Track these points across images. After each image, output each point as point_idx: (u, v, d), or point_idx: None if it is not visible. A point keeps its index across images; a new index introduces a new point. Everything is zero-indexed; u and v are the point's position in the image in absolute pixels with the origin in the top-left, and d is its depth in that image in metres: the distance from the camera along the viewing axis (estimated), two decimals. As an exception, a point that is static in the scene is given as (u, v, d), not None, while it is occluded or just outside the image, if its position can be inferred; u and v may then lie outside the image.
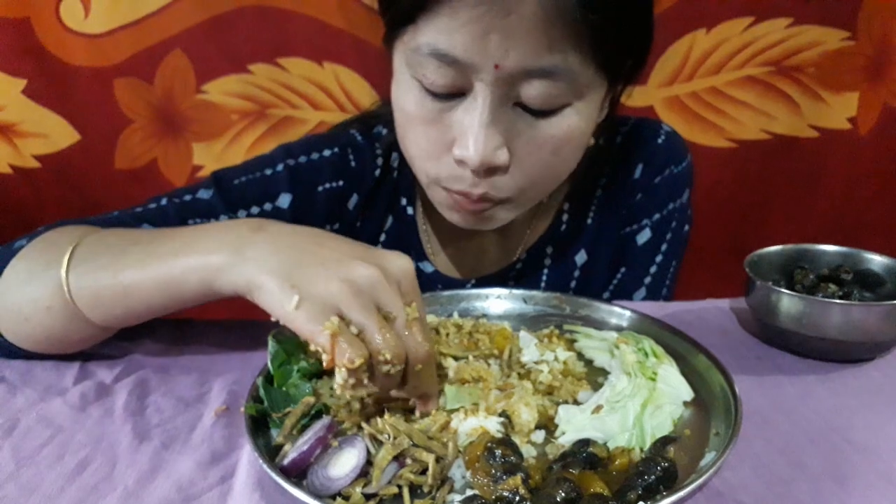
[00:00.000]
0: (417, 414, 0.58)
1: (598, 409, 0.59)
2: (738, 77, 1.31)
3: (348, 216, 0.91)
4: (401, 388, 0.56)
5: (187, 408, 0.64)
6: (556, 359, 0.67)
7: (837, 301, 0.69)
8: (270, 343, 0.62)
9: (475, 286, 0.90)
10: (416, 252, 0.94)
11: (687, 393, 0.62)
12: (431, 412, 0.57)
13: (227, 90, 1.29)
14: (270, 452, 0.54)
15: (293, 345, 0.63)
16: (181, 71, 1.27)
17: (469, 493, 0.50)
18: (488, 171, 0.71)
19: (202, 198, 0.83)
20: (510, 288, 0.82)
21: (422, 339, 0.55)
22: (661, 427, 0.57)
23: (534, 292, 0.81)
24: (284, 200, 0.86)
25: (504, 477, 0.49)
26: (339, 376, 0.51)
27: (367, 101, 1.24)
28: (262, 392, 0.59)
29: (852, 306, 0.68)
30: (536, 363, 0.66)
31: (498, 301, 0.81)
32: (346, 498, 0.50)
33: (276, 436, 0.56)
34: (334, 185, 0.89)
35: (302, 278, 0.54)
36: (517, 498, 0.48)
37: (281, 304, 0.53)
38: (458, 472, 0.52)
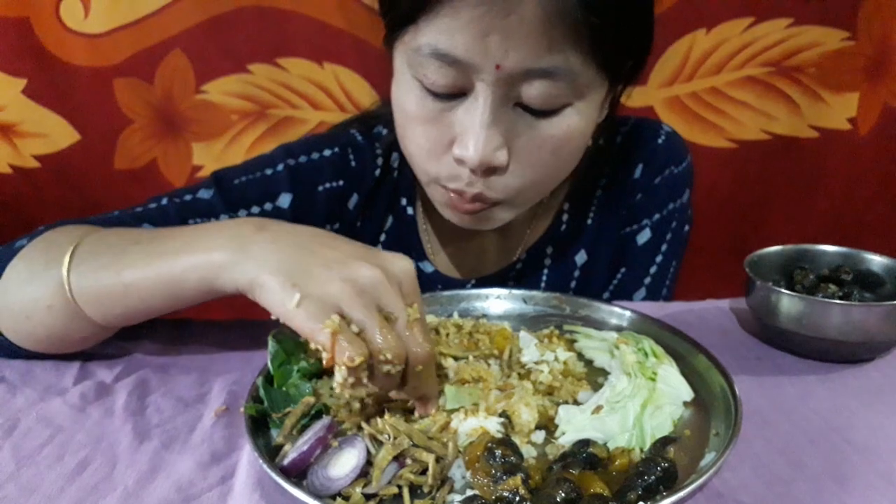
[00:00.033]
0: (417, 414, 0.58)
1: (598, 409, 0.59)
2: (738, 77, 1.31)
3: (348, 216, 0.91)
4: (401, 388, 0.56)
5: (187, 408, 0.64)
6: (556, 359, 0.66)
7: (837, 301, 0.69)
8: (270, 343, 0.62)
9: (475, 286, 0.90)
10: (416, 252, 0.94)
11: (687, 393, 0.62)
12: (431, 413, 0.57)
13: (227, 90, 1.30)
14: (270, 452, 0.54)
15: (293, 345, 0.63)
16: (181, 71, 1.27)
17: (469, 493, 0.50)
18: (487, 171, 0.71)
19: (202, 198, 0.83)
20: (510, 288, 0.82)
21: (423, 340, 0.55)
22: (661, 427, 0.57)
23: (534, 292, 0.81)
24: (285, 200, 0.86)
25: (504, 477, 0.49)
26: (339, 375, 0.51)
27: (367, 101, 1.24)
28: (262, 392, 0.59)
29: (852, 307, 0.68)
30: (536, 363, 0.66)
31: (498, 301, 0.81)
32: (346, 498, 0.50)
33: (276, 436, 0.56)
34: (334, 184, 0.89)
35: (303, 277, 0.54)
36: (517, 498, 0.48)
37: (282, 302, 0.53)
38: (458, 472, 0.52)
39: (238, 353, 0.74)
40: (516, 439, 0.55)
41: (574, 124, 0.71)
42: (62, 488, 0.53)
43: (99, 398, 0.65)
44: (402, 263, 0.58)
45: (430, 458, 0.51)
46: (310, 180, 0.88)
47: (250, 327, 0.76)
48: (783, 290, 0.71)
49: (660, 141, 0.93)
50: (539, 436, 0.58)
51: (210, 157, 1.34)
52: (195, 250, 0.60)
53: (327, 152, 0.89)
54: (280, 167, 0.86)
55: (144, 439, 0.59)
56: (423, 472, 0.51)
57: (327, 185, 0.89)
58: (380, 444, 0.53)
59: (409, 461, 0.52)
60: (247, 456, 0.56)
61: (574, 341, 0.72)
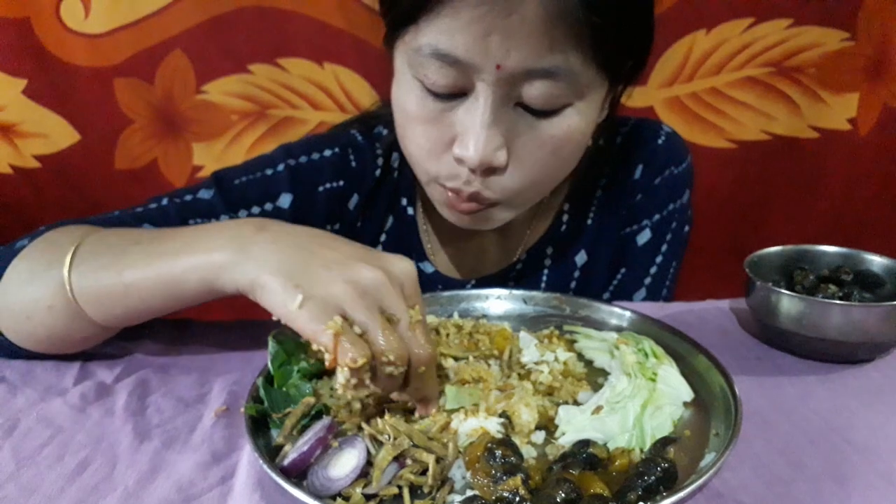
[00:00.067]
0: (417, 415, 0.58)
1: (598, 409, 0.59)
2: (738, 78, 1.31)
3: (349, 216, 0.91)
4: (403, 390, 0.56)
5: (187, 408, 0.64)
6: (556, 359, 0.67)
7: (837, 302, 0.69)
8: (271, 343, 0.62)
9: (475, 286, 0.90)
10: (417, 252, 0.94)
11: (687, 393, 0.62)
12: (431, 414, 0.57)
13: (228, 90, 1.30)
14: (270, 453, 0.54)
15: (293, 345, 0.63)
16: (181, 71, 1.27)
17: (469, 493, 0.50)
18: (487, 171, 0.72)
19: (203, 198, 0.83)
20: (510, 288, 0.82)
21: (425, 341, 0.55)
22: (661, 428, 0.57)
23: (534, 293, 0.81)
24: (285, 200, 0.86)
25: (504, 477, 0.49)
26: (342, 376, 0.51)
27: (367, 101, 1.24)
28: (262, 392, 0.59)
29: (852, 307, 0.68)
30: (536, 364, 0.66)
31: (498, 301, 0.81)
32: (347, 498, 0.50)
33: (277, 436, 0.56)
34: (335, 185, 0.89)
35: (305, 278, 0.54)
36: (517, 498, 0.48)
37: (284, 303, 0.53)
38: (458, 472, 0.52)
39: (238, 353, 0.74)
40: (516, 440, 0.55)
41: (574, 124, 0.71)
42: (62, 488, 0.53)
43: (99, 398, 0.65)
44: (403, 265, 0.58)
45: (430, 459, 0.51)
46: (310, 180, 0.88)
47: (250, 328, 0.76)
48: (783, 291, 0.71)
49: (660, 141, 0.93)
50: (539, 436, 0.58)
51: (210, 157, 1.34)
52: (196, 250, 0.60)
53: (328, 152, 0.89)
54: (280, 167, 0.86)
55: (145, 439, 0.59)
56: (424, 472, 0.51)
57: (328, 185, 0.89)
58: (380, 444, 0.53)
59: (409, 461, 0.52)
60: (247, 456, 0.56)
61: (574, 342, 0.72)
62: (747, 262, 0.77)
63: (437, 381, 0.59)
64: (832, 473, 0.54)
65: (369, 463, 0.52)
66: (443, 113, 0.70)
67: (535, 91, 0.67)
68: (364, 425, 0.55)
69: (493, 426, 0.56)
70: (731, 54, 1.29)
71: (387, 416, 0.55)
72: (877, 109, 1.32)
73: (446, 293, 0.81)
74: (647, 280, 0.93)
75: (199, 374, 0.70)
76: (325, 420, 0.55)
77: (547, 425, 0.59)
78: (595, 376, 0.67)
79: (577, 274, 0.95)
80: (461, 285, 0.94)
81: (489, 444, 0.52)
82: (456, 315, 0.77)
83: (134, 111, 1.30)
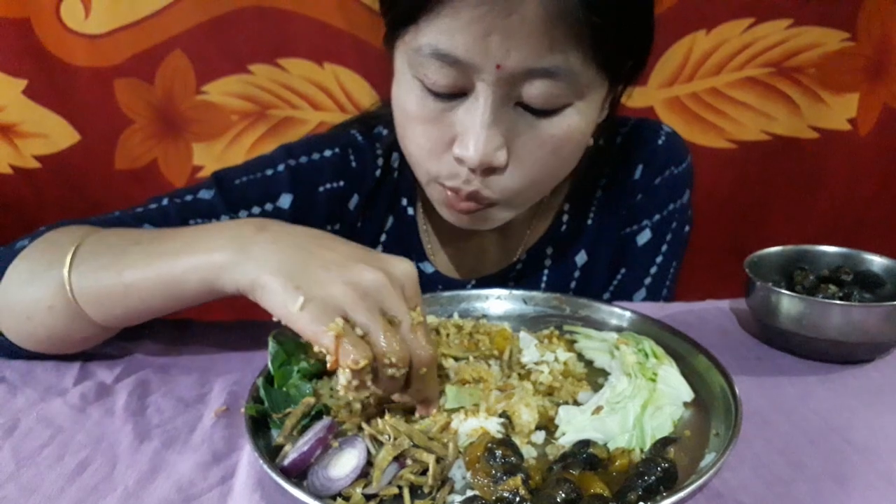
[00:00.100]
0: (417, 415, 0.58)
1: (598, 409, 0.59)
2: (739, 78, 1.31)
3: (349, 216, 0.91)
4: (404, 391, 0.56)
5: (187, 408, 0.64)
6: (556, 359, 0.67)
7: (837, 302, 0.69)
8: (271, 343, 0.62)
9: (475, 287, 0.90)
10: (417, 252, 0.94)
11: (687, 394, 0.62)
12: (431, 414, 0.57)
13: (228, 90, 1.30)
14: (271, 453, 0.54)
15: (293, 345, 0.63)
16: (181, 71, 1.27)
17: (469, 493, 0.50)
18: (486, 170, 0.72)
19: (203, 198, 0.83)
20: (510, 288, 0.82)
21: (426, 343, 0.55)
22: (662, 428, 0.57)
23: (534, 293, 0.81)
24: (285, 201, 0.86)
25: (504, 477, 0.49)
26: (343, 378, 0.51)
27: (367, 101, 1.23)
28: (262, 392, 0.59)
29: (852, 307, 0.68)
30: (537, 364, 0.66)
31: (498, 302, 0.81)
32: (347, 498, 0.50)
33: (277, 436, 0.56)
34: (335, 185, 0.89)
35: (306, 280, 0.54)
36: (517, 498, 0.48)
37: (284, 304, 0.53)
38: (458, 472, 0.52)
39: (238, 353, 0.74)
40: (516, 440, 0.55)
41: (574, 124, 0.71)
42: (62, 488, 0.53)
43: (99, 398, 0.65)
44: (403, 266, 0.58)
45: (430, 459, 0.51)
46: (310, 181, 0.88)
47: (251, 328, 0.76)
48: (783, 291, 0.71)
49: (660, 141, 0.93)
50: (539, 436, 0.58)
51: (210, 157, 1.34)
52: (196, 251, 0.60)
53: (328, 153, 0.89)
54: (281, 167, 0.86)
55: (145, 439, 0.59)
56: (424, 472, 0.51)
57: (328, 185, 0.89)
58: (380, 444, 0.53)
59: (409, 462, 0.52)
60: (247, 456, 0.56)
61: (574, 342, 0.72)
62: (747, 262, 0.77)
63: (437, 382, 0.59)
64: (832, 473, 0.54)
65: (369, 463, 0.52)
66: (443, 113, 0.70)
67: (535, 91, 0.67)
68: (364, 425, 0.55)
69: (493, 426, 0.56)
70: (731, 54, 1.29)
71: (387, 416, 0.55)
72: (877, 109, 1.32)
73: (446, 293, 0.81)
74: (647, 280, 0.93)
75: (199, 374, 0.70)
76: (325, 420, 0.55)
77: (547, 425, 0.59)
78: (595, 376, 0.67)
79: (577, 274, 0.95)
80: (461, 285, 0.94)
81: (489, 444, 0.52)
82: (456, 315, 0.77)
83: (134, 111, 1.30)
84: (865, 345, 0.70)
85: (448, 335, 0.70)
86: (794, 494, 0.52)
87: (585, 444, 0.54)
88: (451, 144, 0.71)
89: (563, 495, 0.47)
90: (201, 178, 1.32)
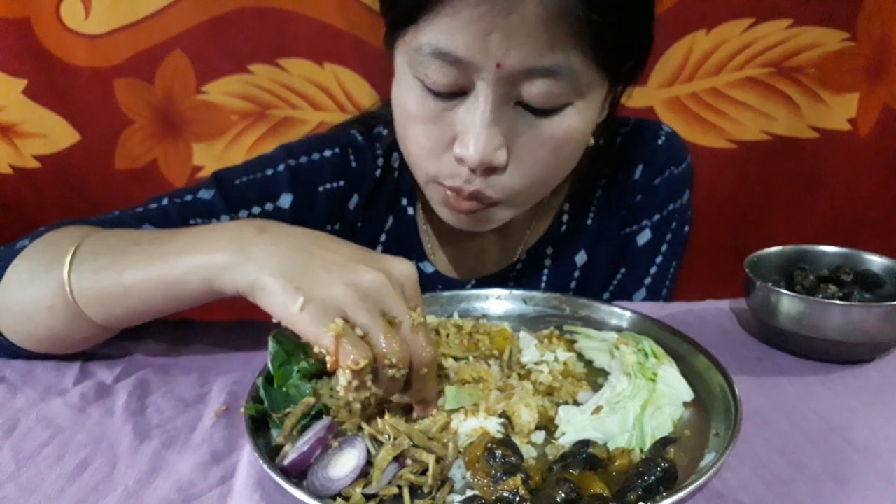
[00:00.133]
0: (415, 415, 0.58)
1: (598, 409, 0.59)
2: (739, 78, 1.31)
3: (349, 216, 0.91)
4: (404, 392, 0.56)
5: (187, 408, 0.64)
6: (556, 359, 0.66)
7: (837, 302, 0.69)
8: (270, 343, 0.62)
9: (475, 287, 0.90)
10: (417, 252, 0.94)
11: (687, 394, 0.62)
12: (430, 415, 0.57)
13: (228, 90, 1.30)
14: (270, 453, 0.54)
15: (293, 345, 0.63)
16: (181, 71, 1.27)
17: (469, 493, 0.50)
18: (487, 170, 0.72)
19: (203, 198, 0.83)
20: (510, 288, 0.82)
21: (426, 343, 0.55)
22: (661, 428, 0.57)
23: (534, 293, 0.81)
24: (285, 200, 0.86)
25: (504, 477, 0.49)
26: (343, 378, 0.51)
27: (367, 101, 1.24)
28: (262, 392, 0.59)
29: (852, 307, 0.68)
30: (536, 364, 0.66)
31: (498, 302, 0.81)
32: (347, 498, 0.50)
33: (277, 436, 0.56)
34: (335, 185, 0.89)
35: (306, 281, 0.54)
36: (517, 498, 0.48)
37: (284, 305, 0.53)
38: (458, 472, 0.52)
39: (238, 353, 0.74)
40: (516, 440, 0.55)
41: (574, 124, 0.71)
42: (62, 488, 0.53)
43: (99, 398, 0.65)
44: (403, 267, 0.58)
45: (430, 459, 0.51)
46: (310, 181, 0.88)
47: (251, 328, 0.76)
48: (783, 291, 0.71)
49: (660, 141, 0.93)
50: (539, 436, 0.58)
51: (210, 157, 1.34)
52: (196, 252, 0.60)
53: (328, 153, 0.89)
54: (281, 167, 0.86)
55: (145, 439, 0.59)
56: (424, 472, 0.51)
57: (328, 185, 0.89)
58: (380, 444, 0.53)
59: (409, 461, 0.52)
60: (247, 456, 0.56)
61: (574, 342, 0.72)
62: (747, 262, 0.77)
63: (436, 383, 0.59)
64: (832, 473, 0.54)
65: (369, 463, 0.52)
66: (443, 112, 0.70)
67: (535, 90, 0.67)
68: (364, 425, 0.55)
69: (493, 426, 0.56)
70: (731, 54, 1.29)
71: (387, 416, 0.55)
72: (877, 109, 1.32)
73: (446, 293, 0.81)
74: (647, 280, 0.93)
75: (199, 374, 0.70)
76: (325, 420, 0.55)
77: (547, 425, 0.59)
78: (595, 376, 0.67)
79: (577, 274, 0.95)
80: (461, 285, 0.94)
81: (489, 444, 0.52)
82: (456, 315, 0.77)
83: (134, 111, 1.30)
84: (865, 345, 0.70)
85: (448, 335, 0.70)
86: (794, 494, 0.52)
87: (585, 444, 0.54)
88: (452, 144, 0.71)
89: (563, 495, 0.47)
90: (201, 178, 1.32)
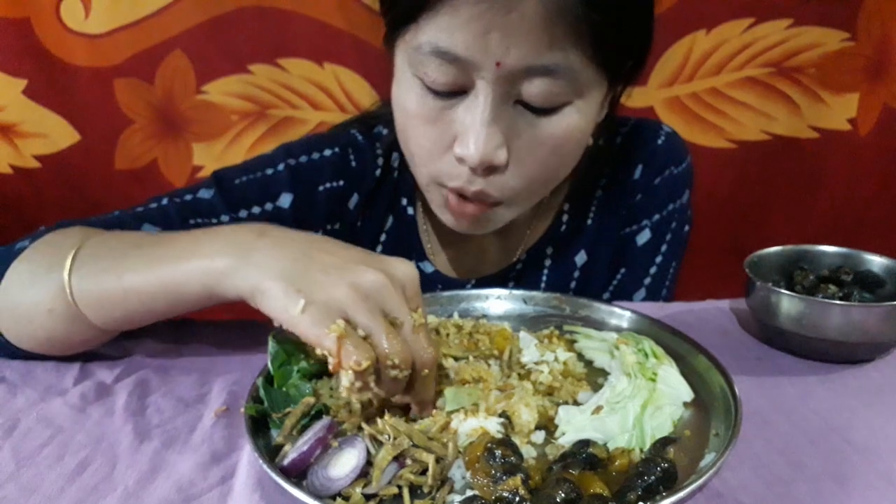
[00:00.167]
0: (413, 415, 0.58)
1: (598, 409, 0.59)
2: (739, 78, 1.31)
3: (349, 216, 0.91)
4: (406, 392, 0.56)
5: (187, 408, 0.64)
6: (556, 359, 0.66)
7: (837, 302, 0.69)
8: (270, 343, 0.62)
9: (475, 286, 0.90)
10: (417, 252, 0.94)
11: (687, 394, 0.62)
12: (430, 415, 0.57)
13: (228, 90, 1.30)
14: (270, 453, 0.54)
15: (293, 345, 0.62)
16: (181, 71, 1.27)
17: (469, 493, 0.50)
18: (487, 169, 0.71)
19: (203, 197, 0.83)
20: (510, 288, 0.82)
21: (427, 344, 0.55)
22: (661, 428, 0.57)
23: (534, 293, 0.81)
24: (285, 200, 0.86)
25: (504, 477, 0.49)
26: (346, 379, 0.51)
27: (367, 101, 1.24)
28: (262, 392, 0.59)
29: (852, 307, 0.68)
30: (536, 364, 0.66)
31: (498, 301, 0.81)
32: (346, 498, 0.50)
33: (276, 436, 0.56)
34: (335, 184, 0.89)
35: (306, 283, 0.54)
36: (517, 498, 0.48)
37: (286, 308, 0.53)
38: (458, 472, 0.52)
39: (238, 353, 0.74)
40: (516, 439, 0.55)
41: (574, 123, 0.71)
42: (62, 488, 0.53)
43: (99, 398, 0.65)
44: (404, 268, 0.58)
45: (430, 459, 0.51)
46: (310, 180, 0.88)
47: (251, 328, 0.76)
48: (783, 291, 0.71)
49: (660, 141, 0.93)
50: (539, 436, 0.58)
51: (210, 157, 1.34)
52: (196, 256, 0.60)
53: (328, 152, 0.89)
54: (280, 167, 0.86)
55: (145, 439, 0.59)
56: (423, 472, 0.51)
57: (328, 185, 0.89)
58: (380, 444, 0.53)
59: (409, 461, 0.52)
60: (247, 456, 0.56)
61: (574, 342, 0.72)
62: (747, 262, 0.77)
63: (434, 385, 0.59)
64: (832, 473, 0.54)
65: (369, 463, 0.52)
66: (443, 111, 0.70)
67: (534, 89, 0.67)
68: (364, 425, 0.55)
69: (493, 426, 0.56)
70: (731, 54, 1.29)
71: (387, 416, 0.55)
72: (877, 109, 1.32)
73: (446, 293, 0.81)
74: (647, 280, 0.93)
75: (199, 374, 0.70)
76: (325, 420, 0.55)
77: (547, 425, 0.59)
78: (595, 376, 0.67)
79: (577, 274, 0.95)
80: (461, 285, 0.94)
81: (489, 444, 0.52)
82: (456, 315, 0.77)
83: (134, 111, 1.30)
84: (865, 345, 0.70)
85: (448, 335, 0.70)
86: (794, 494, 0.52)
87: (585, 443, 0.54)
88: (452, 144, 0.71)
89: (563, 495, 0.47)
90: (201, 177, 1.32)
